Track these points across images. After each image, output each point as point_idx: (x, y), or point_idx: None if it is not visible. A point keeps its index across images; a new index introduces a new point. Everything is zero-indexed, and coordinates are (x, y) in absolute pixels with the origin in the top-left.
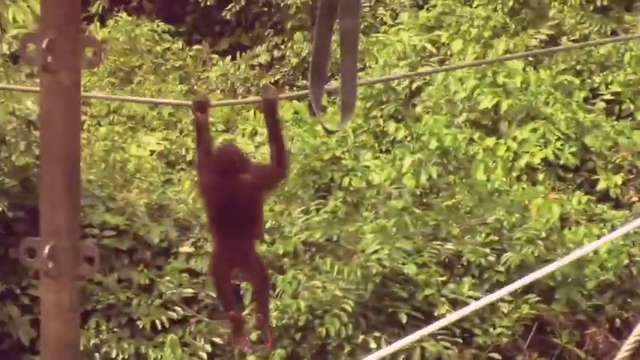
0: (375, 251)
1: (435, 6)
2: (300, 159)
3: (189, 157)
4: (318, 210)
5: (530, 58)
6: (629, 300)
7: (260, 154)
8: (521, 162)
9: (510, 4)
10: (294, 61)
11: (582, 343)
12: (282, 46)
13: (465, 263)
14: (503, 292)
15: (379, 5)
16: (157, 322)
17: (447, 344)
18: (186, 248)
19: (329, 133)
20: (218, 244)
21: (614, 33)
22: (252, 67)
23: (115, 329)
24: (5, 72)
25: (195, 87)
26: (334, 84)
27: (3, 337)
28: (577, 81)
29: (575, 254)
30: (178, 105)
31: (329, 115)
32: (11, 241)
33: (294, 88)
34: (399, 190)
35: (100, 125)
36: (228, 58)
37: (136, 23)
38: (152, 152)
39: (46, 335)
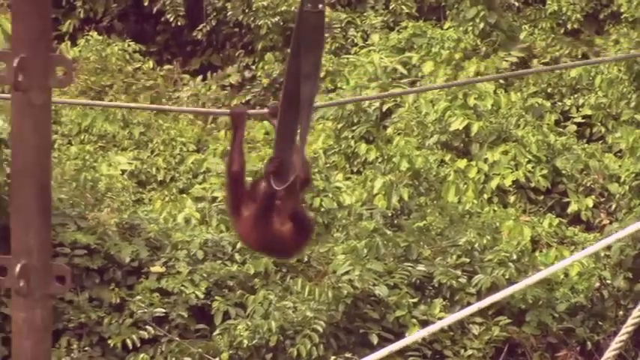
0: (346, 272)
1: (405, 27)
2: None
3: (160, 177)
4: None
5: (501, 81)
6: (600, 323)
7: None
8: (492, 184)
9: (481, 26)
10: (265, 81)
11: None
12: (253, 67)
13: (436, 285)
14: (472, 308)
15: (350, 26)
16: (128, 341)
17: None
18: (157, 268)
19: None
20: None
21: (584, 56)
22: (223, 87)
23: (86, 348)
24: None
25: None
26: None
27: None
28: (548, 104)
29: (541, 274)
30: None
31: None
32: None
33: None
34: (370, 211)
35: (71, 144)
36: (199, 78)
37: (106, 42)
38: (123, 172)
39: (17, 354)
